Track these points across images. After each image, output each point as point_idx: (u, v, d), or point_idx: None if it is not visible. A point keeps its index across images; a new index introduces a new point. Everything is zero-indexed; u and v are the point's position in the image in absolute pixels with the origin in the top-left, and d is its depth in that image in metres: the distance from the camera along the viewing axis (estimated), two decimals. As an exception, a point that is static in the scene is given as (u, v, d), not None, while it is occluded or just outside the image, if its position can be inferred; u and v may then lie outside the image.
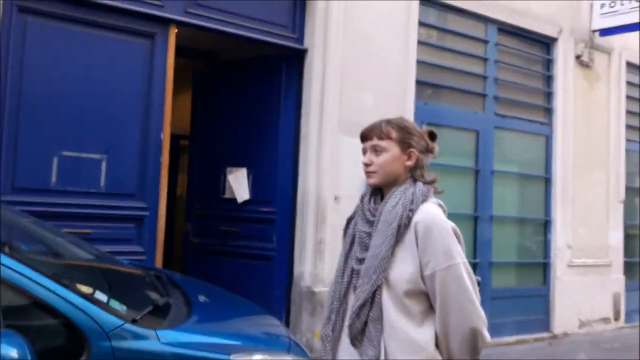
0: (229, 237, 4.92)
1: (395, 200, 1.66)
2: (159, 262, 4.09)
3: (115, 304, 2.09)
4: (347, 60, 4.80)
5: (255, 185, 4.89)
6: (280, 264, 4.70)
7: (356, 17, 4.86)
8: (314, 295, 4.54)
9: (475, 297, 1.59)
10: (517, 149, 6.39)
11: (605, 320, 6.80)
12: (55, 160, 3.65)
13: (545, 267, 6.45)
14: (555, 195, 6.45)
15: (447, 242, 1.59)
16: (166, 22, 4.11)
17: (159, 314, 2.28)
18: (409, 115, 5.21)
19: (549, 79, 6.52)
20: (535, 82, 6.48)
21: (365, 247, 1.66)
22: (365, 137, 1.76)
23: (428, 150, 1.76)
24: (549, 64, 6.52)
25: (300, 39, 4.80)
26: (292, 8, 4.77)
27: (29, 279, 1.88)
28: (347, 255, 1.73)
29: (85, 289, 2.10)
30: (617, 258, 7.04)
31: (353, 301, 1.64)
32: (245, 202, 4.89)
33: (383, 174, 1.70)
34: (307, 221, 4.60)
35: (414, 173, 1.72)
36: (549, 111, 6.50)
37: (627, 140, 7.30)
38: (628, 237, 7.31)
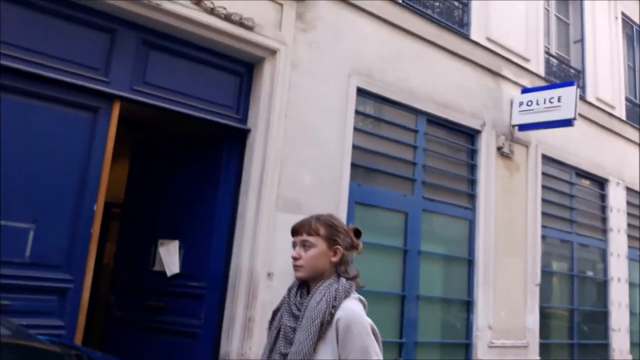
0: (155, 312, 4.81)
1: (320, 296, 1.77)
2: (79, 337, 3.93)
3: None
4: (287, 141, 5.01)
5: (186, 258, 4.86)
6: (206, 342, 4.61)
7: (297, 103, 5.13)
8: (240, 374, 4.48)
9: None
10: (443, 231, 6.73)
11: (523, 400, 7.02)
12: (-22, 228, 3.54)
13: (467, 347, 6.65)
14: (478, 277, 6.77)
15: (365, 340, 1.71)
16: (111, 98, 4.17)
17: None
18: (344, 196, 5.45)
19: (473, 167, 7.01)
20: (460, 169, 6.94)
21: (290, 342, 1.75)
22: (295, 232, 1.89)
23: (353, 247, 1.90)
24: (473, 153, 7.03)
25: (244, 119, 4.98)
26: (237, 91, 4.98)
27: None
28: (271, 348, 1.81)
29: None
30: (534, 339, 7.37)
31: None
32: (174, 276, 4.83)
33: (310, 269, 1.82)
34: (238, 298, 4.59)
35: (339, 268, 1.85)
36: (472, 197, 6.93)
37: (543, 226, 7.85)
38: (544, 319, 7.71)
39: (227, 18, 4.62)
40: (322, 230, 1.86)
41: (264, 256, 4.74)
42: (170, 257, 4.86)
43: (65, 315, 3.86)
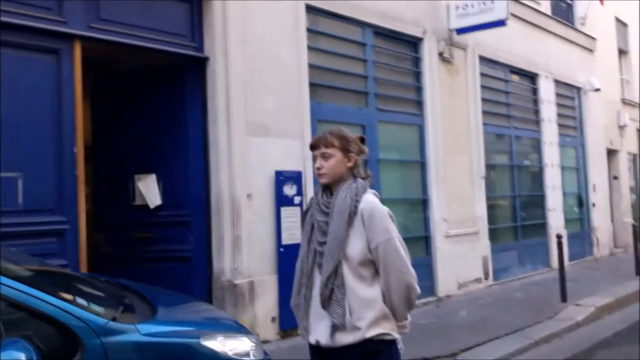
0: (144, 243, 5.04)
1: (344, 194, 2.12)
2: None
3: (94, 306, 2.31)
4: (247, 67, 5.14)
5: (166, 190, 5.06)
6: (199, 263, 4.94)
7: (253, 27, 5.22)
8: (235, 287, 4.87)
9: (408, 261, 2.10)
10: (397, 138, 7.18)
11: (478, 280, 7.90)
12: (-29, 182, 3.60)
13: (427, 240, 7.33)
14: (431, 177, 7.35)
15: (385, 222, 2.09)
16: (70, 38, 4.15)
17: (129, 311, 2.52)
18: (306, 115, 5.71)
19: (418, 75, 7.39)
20: (408, 78, 7.31)
21: (324, 233, 2.11)
22: (314, 147, 2.21)
23: (361, 152, 2.24)
24: (417, 61, 7.38)
25: (200, 47, 5.05)
26: (189, 19, 5.00)
27: (21, 291, 2.06)
28: (309, 240, 2.15)
29: (66, 296, 2.29)
30: (483, 226, 8.18)
31: (321, 275, 2.07)
32: (158, 208, 5.04)
33: (332, 175, 2.17)
34: (224, 220, 4.89)
35: (354, 171, 2.20)
36: (420, 104, 7.37)
37: (484, 124, 8.47)
38: (490, 208, 8.51)
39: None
40: (336, 142, 2.18)
41: (242, 180, 5.00)
42: (150, 190, 5.05)
43: (67, 255, 4.05)
